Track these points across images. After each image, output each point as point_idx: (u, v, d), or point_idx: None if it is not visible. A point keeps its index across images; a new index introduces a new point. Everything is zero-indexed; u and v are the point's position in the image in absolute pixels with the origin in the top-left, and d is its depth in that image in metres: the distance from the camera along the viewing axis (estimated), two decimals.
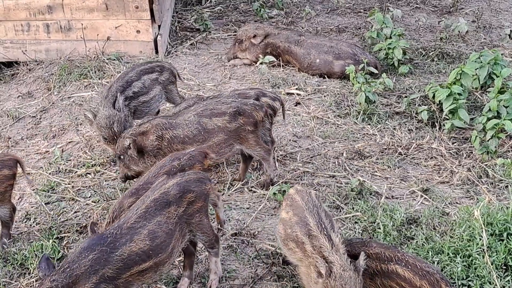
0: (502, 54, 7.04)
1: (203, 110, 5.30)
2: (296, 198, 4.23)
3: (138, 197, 4.34)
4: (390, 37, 7.62)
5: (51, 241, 4.84)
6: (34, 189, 5.61)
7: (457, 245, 4.54)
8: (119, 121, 5.61)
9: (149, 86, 6.06)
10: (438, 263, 4.46)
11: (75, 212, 5.36)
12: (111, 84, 5.97)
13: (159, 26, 8.02)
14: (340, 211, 5.22)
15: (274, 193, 5.31)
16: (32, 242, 4.95)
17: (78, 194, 5.60)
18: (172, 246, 4.04)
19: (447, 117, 6.27)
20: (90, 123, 5.78)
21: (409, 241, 4.78)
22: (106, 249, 3.78)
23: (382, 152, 6.03)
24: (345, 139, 6.21)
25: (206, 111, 5.28)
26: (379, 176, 5.71)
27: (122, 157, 5.28)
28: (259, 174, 5.73)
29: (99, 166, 5.93)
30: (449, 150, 6.04)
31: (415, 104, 6.66)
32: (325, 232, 3.93)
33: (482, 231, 4.49)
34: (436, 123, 6.40)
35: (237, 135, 5.29)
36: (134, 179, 5.34)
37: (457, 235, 4.67)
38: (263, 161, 5.49)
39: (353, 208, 5.22)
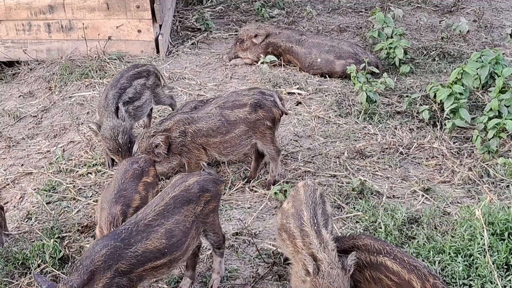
0: (503, 54, 7.02)
1: (224, 102, 5.32)
2: (300, 191, 4.25)
3: (123, 203, 4.35)
4: (391, 37, 7.62)
5: (52, 240, 4.83)
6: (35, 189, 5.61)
7: (458, 245, 4.54)
8: (124, 131, 5.53)
9: (140, 91, 6.03)
10: (439, 263, 4.46)
11: (77, 211, 5.37)
12: (106, 93, 5.82)
13: (160, 26, 8.02)
14: (341, 210, 5.23)
15: (275, 193, 5.30)
16: (33, 241, 4.95)
17: (79, 193, 5.60)
18: (188, 244, 4.05)
19: (448, 117, 6.27)
20: (95, 134, 5.73)
21: (410, 240, 4.78)
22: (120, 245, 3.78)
23: (383, 152, 6.03)
24: (346, 139, 6.21)
25: (228, 103, 5.31)
26: (380, 175, 5.70)
27: None
28: (260, 174, 5.73)
29: (100, 165, 5.93)
30: (450, 149, 6.03)
31: (416, 104, 6.66)
32: (315, 228, 3.93)
33: (483, 230, 4.48)
34: (437, 123, 6.39)
35: (256, 128, 5.33)
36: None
37: (458, 234, 4.67)
38: (271, 161, 5.50)
39: (354, 207, 5.22)
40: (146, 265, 3.84)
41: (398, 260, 3.93)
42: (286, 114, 5.56)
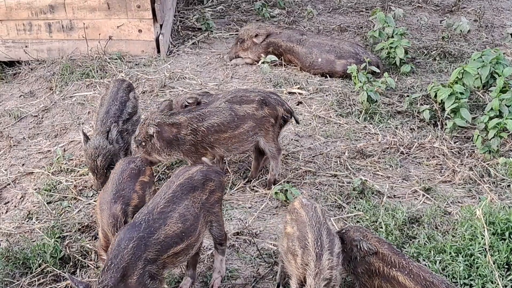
0: (504, 53, 7.02)
1: (232, 97, 5.34)
2: (301, 213, 4.16)
3: (122, 202, 4.36)
4: (392, 36, 7.61)
5: (53, 240, 4.85)
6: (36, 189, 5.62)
7: (459, 244, 4.55)
8: (105, 155, 5.31)
9: (134, 105, 5.85)
10: (440, 263, 4.46)
11: (77, 211, 5.37)
12: (108, 107, 5.59)
13: (161, 26, 8.02)
14: (342, 210, 5.23)
15: (276, 193, 5.30)
16: (34, 241, 4.96)
17: (80, 193, 5.61)
18: (199, 231, 4.15)
19: (449, 117, 6.27)
20: (84, 142, 5.50)
21: (411, 240, 4.78)
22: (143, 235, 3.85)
23: (384, 152, 6.03)
24: (347, 139, 6.21)
25: (236, 98, 5.33)
26: (381, 175, 5.70)
27: (143, 143, 5.16)
28: (261, 174, 5.73)
29: None
30: (451, 149, 6.03)
31: (417, 104, 6.66)
32: (317, 251, 3.90)
33: (484, 230, 4.48)
34: (438, 123, 6.40)
35: (261, 125, 5.35)
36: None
37: (459, 234, 4.68)
38: (272, 159, 5.50)
39: (355, 207, 5.22)
40: (169, 251, 3.94)
41: (412, 275, 3.92)
42: (292, 115, 5.56)
